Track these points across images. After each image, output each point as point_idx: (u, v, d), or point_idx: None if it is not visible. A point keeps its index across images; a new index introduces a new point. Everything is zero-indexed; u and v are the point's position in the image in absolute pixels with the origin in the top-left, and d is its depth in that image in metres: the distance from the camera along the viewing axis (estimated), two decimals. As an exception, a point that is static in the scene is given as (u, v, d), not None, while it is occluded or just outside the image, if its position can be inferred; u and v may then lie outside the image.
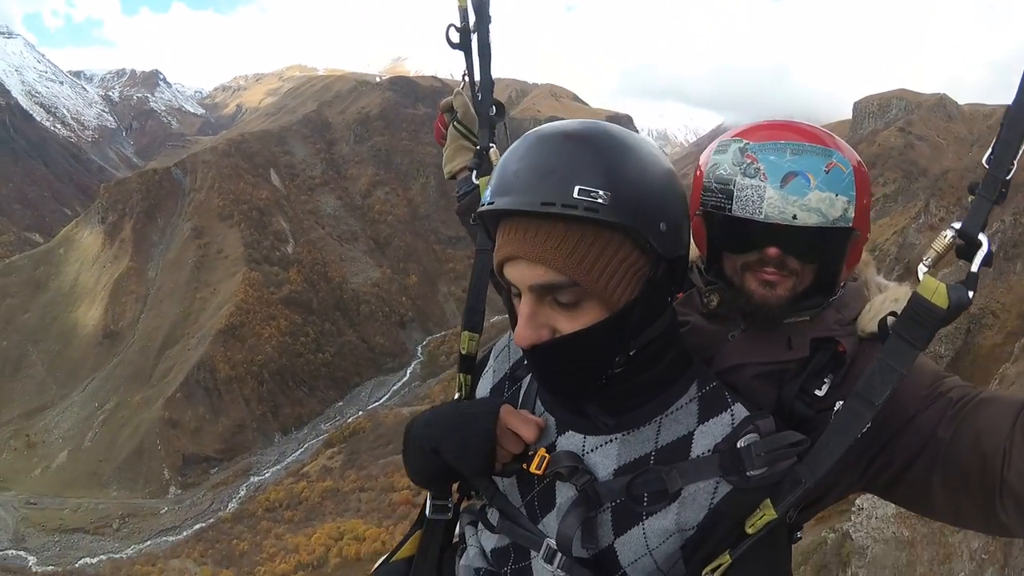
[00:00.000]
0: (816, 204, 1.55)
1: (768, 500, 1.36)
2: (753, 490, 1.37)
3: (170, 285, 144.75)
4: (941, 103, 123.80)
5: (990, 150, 1.33)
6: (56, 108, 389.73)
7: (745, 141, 1.64)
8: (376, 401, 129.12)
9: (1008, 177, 1.31)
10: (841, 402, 1.46)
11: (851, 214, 1.59)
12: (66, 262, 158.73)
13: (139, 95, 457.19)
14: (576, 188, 1.24)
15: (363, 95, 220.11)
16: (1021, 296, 48.86)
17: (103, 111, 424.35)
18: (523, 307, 1.36)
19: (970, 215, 1.33)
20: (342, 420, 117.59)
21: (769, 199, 1.56)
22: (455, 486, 1.87)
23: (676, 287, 1.48)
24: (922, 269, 1.37)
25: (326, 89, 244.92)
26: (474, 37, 2.22)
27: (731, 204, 1.60)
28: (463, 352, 1.98)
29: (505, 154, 1.39)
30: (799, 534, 1.81)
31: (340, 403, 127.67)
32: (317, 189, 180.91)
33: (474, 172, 2.26)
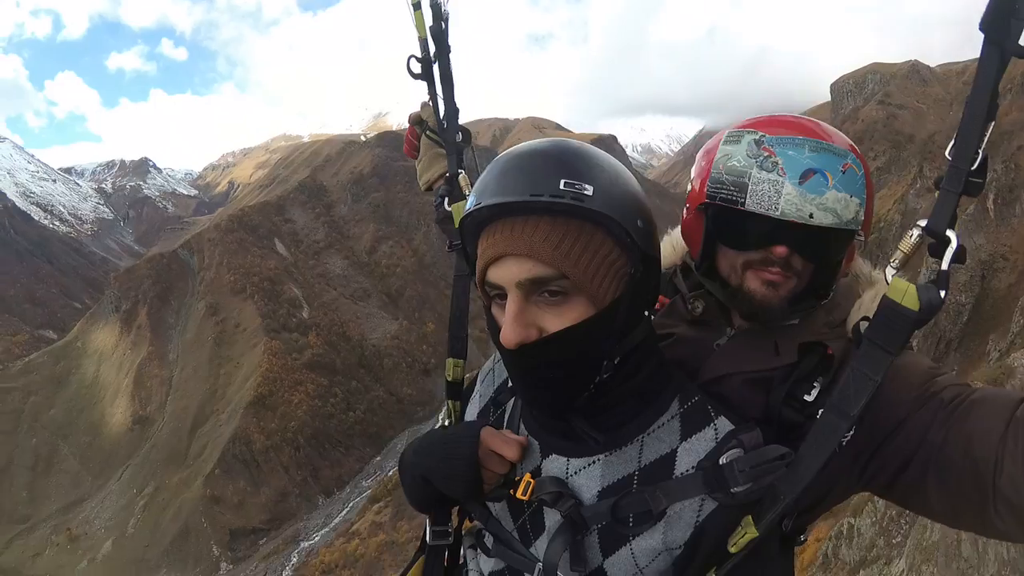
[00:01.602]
0: (832, 204, 1.52)
1: (749, 517, 1.35)
2: (738, 507, 1.36)
3: (193, 365, 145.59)
4: (914, 69, 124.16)
5: (952, 142, 1.29)
6: (52, 206, 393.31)
7: (761, 133, 1.59)
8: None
9: (974, 168, 1.27)
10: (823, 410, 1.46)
11: (861, 217, 1.58)
12: (85, 355, 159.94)
13: (132, 184, 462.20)
14: (562, 181, 1.28)
15: (353, 155, 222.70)
16: None
17: (98, 204, 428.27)
18: (510, 306, 1.34)
19: (936, 210, 1.31)
20: (383, 474, 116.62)
21: (787, 195, 1.51)
22: (456, 510, 1.88)
23: (654, 296, 1.49)
24: (890, 272, 1.36)
25: (315, 154, 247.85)
26: (436, 67, 2.28)
27: (744, 198, 1.55)
28: (449, 379, 2.02)
29: (486, 169, 1.41)
30: (803, 537, 1.79)
31: (378, 458, 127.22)
32: (323, 252, 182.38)
33: (445, 200, 2.26)
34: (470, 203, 1.39)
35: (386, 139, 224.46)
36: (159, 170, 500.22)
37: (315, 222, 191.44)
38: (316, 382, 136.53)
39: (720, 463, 1.37)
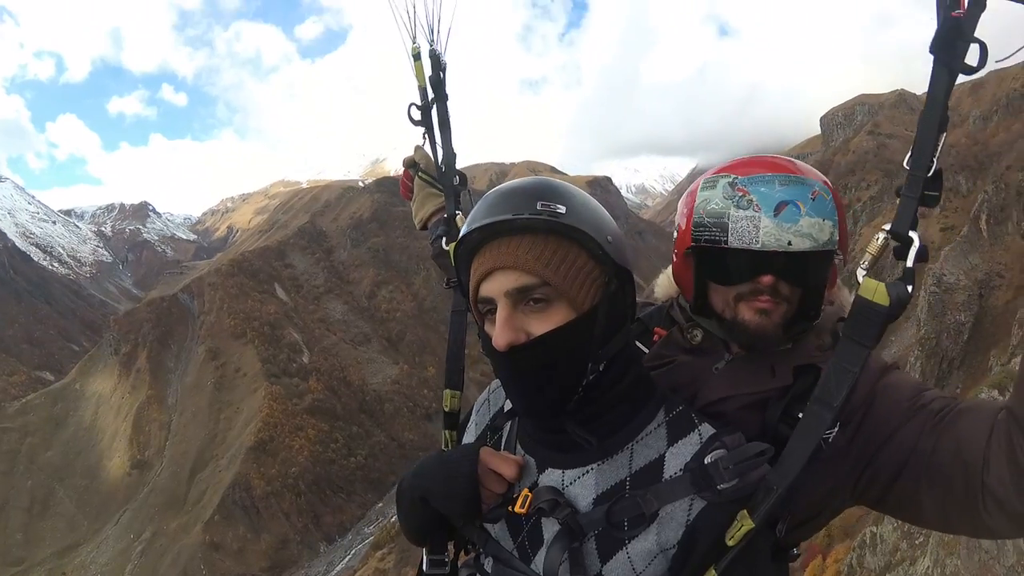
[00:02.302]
0: (808, 229, 1.63)
1: (744, 511, 1.43)
2: (727, 503, 1.44)
3: (192, 409, 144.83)
4: (901, 98, 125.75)
5: (909, 152, 1.42)
6: (52, 247, 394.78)
7: (733, 176, 1.71)
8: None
9: (929, 175, 1.40)
10: (831, 432, 1.61)
11: (836, 237, 1.68)
12: (83, 397, 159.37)
13: (131, 227, 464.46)
14: (539, 203, 1.46)
15: (352, 200, 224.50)
16: (1019, 253, 53.98)
17: (98, 246, 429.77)
18: (500, 313, 1.47)
19: (898, 215, 1.43)
20: (385, 520, 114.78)
21: (765, 228, 1.62)
22: (451, 544, 1.92)
23: (631, 309, 1.60)
24: (860, 273, 1.46)
25: (314, 200, 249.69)
26: (434, 113, 2.47)
27: (727, 236, 1.66)
28: (446, 410, 2.15)
29: (476, 204, 1.57)
30: (796, 551, 1.87)
31: (380, 504, 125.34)
32: (323, 297, 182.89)
33: (443, 239, 2.41)
34: (463, 231, 1.54)
35: (384, 184, 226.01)
36: (158, 214, 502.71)
37: (315, 267, 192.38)
38: (317, 427, 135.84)
39: (705, 463, 1.46)
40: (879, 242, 1.45)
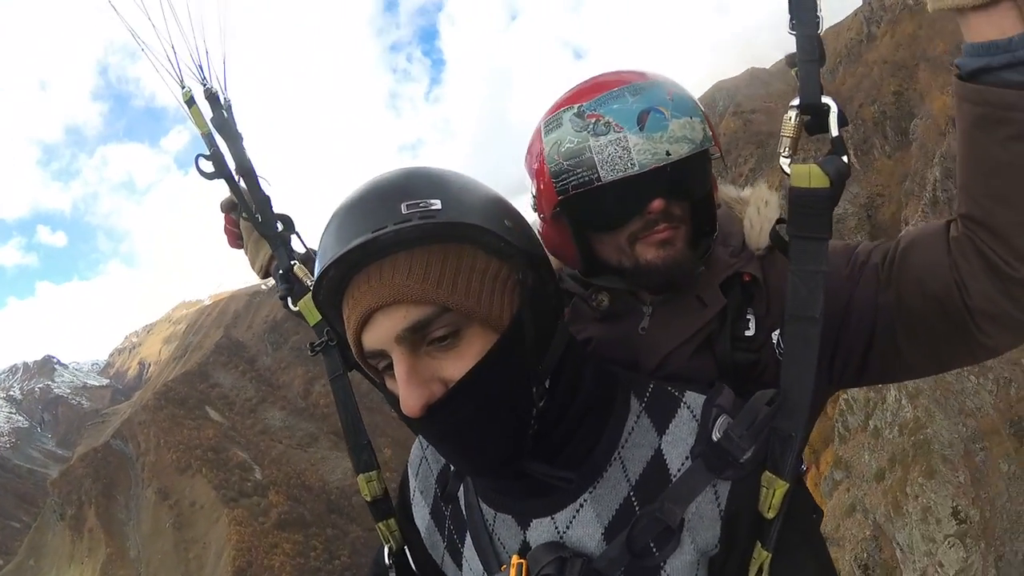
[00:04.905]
0: (680, 132, 1.42)
1: (767, 473, 1.26)
2: (751, 473, 1.26)
3: (158, 556, 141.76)
4: (753, 76, 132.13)
5: (789, 15, 1.27)
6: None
7: (578, 105, 1.47)
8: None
9: (819, 32, 1.25)
10: (776, 332, 1.47)
11: (709, 133, 1.50)
12: (41, 571, 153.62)
13: (40, 385, 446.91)
14: (403, 205, 1.10)
15: (261, 304, 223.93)
16: (890, 171, 61.30)
17: (11, 413, 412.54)
18: (398, 368, 1.11)
19: (803, 85, 1.27)
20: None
21: (636, 146, 1.40)
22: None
23: (558, 299, 1.32)
24: (784, 161, 1.31)
25: (223, 313, 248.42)
26: (230, 161, 2.04)
27: (597, 172, 1.42)
28: (368, 499, 1.71)
29: (324, 229, 1.19)
30: (803, 465, 1.65)
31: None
32: (258, 408, 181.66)
33: (288, 300, 1.96)
34: (317, 272, 1.17)
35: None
36: (65, 366, 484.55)
37: (242, 380, 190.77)
38: (292, 540, 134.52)
39: (715, 440, 1.26)
40: (793, 121, 1.29)
